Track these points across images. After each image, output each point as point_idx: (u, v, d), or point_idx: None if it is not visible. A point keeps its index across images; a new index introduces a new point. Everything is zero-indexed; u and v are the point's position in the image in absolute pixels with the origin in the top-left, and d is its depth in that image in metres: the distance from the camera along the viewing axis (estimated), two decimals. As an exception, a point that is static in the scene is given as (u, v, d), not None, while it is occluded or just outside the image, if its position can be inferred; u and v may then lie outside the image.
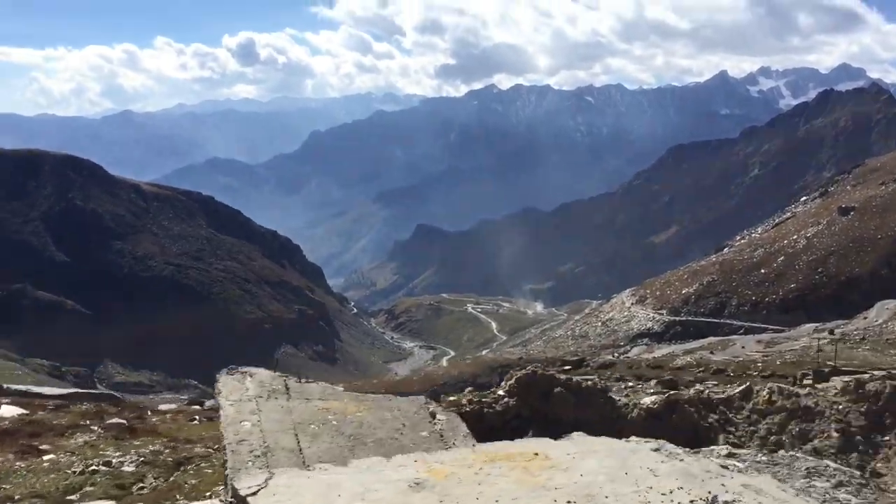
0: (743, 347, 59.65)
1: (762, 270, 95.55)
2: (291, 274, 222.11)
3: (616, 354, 72.64)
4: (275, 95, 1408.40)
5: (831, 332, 64.67)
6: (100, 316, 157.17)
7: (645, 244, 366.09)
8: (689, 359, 52.35)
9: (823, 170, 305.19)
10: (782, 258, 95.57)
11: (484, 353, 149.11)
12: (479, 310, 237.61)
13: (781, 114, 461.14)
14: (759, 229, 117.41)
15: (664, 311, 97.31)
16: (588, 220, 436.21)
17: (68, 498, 12.00)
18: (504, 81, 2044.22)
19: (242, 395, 9.35)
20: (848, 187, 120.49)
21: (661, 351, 68.71)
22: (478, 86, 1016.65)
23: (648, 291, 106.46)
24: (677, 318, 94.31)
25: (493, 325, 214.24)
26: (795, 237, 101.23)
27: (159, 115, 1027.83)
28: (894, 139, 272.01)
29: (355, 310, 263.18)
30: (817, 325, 71.74)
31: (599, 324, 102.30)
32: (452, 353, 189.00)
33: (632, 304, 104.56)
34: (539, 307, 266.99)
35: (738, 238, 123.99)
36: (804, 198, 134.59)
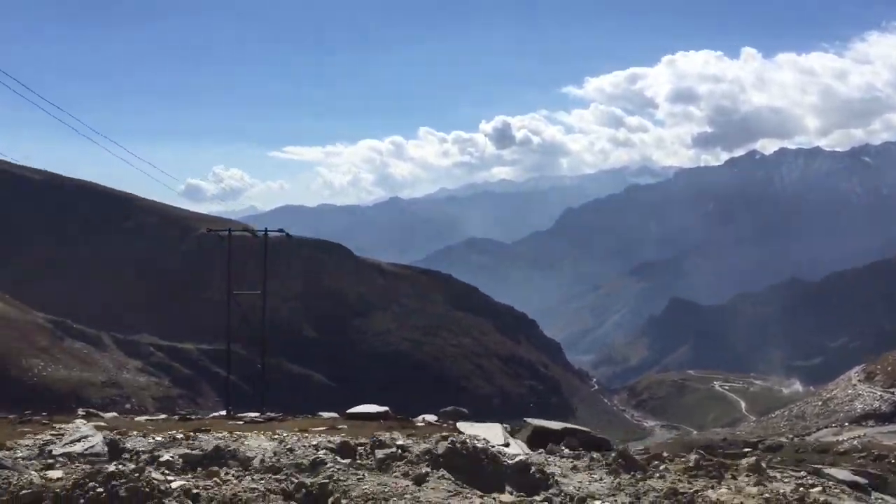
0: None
1: None
2: (526, 349, 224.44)
3: (793, 437, 65.52)
4: (531, 175, 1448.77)
5: None
6: (342, 387, 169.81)
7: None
8: (855, 443, 46.32)
9: None
10: None
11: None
12: (727, 388, 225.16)
13: None
14: None
15: (895, 390, 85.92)
16: (865, 289, 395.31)
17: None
18: (768, 146, 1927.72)
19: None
20: None
21: (856, 433, 60.86)
22: (739, 152, 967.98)
23: (880, 367, 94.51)
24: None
25: (742, 404, 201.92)
26: None
27: (423, 199, 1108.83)
28: None
29: (596, 386, 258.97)
30: None
31: (820, 403, 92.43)
32: (695, 433, 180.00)
33: (858, 381, 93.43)
34: (797, 385, 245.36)
35: None
36: None
